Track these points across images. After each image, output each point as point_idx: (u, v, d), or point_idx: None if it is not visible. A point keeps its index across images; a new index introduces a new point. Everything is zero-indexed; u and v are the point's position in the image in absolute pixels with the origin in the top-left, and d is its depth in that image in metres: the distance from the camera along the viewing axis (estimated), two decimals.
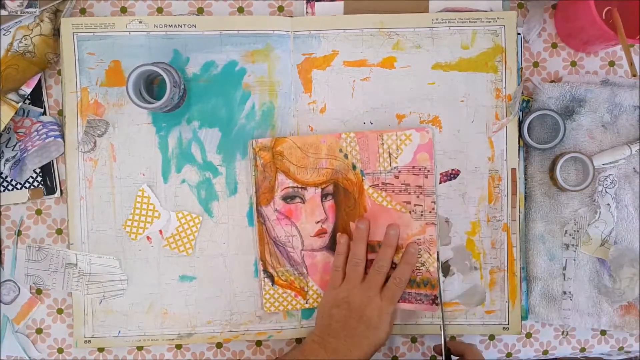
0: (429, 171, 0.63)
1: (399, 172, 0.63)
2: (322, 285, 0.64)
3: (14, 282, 0.65)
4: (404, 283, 0.61)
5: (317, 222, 0.64)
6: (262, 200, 0.64)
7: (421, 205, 0.63)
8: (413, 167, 0.63)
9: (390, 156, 0.63)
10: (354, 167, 0.63)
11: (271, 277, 0.64)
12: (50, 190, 0.66)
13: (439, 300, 0.64)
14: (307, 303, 0.64)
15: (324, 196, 0.64)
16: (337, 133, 0.64)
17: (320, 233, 0.64)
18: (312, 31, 0.65)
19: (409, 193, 0.63)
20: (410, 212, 0.64)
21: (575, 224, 0.66)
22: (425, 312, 0.65)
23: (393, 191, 0.63)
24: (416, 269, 0.64)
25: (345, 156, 0.63)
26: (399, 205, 0.64)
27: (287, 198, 0.64)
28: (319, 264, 0.64)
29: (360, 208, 0.64)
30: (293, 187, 0.63)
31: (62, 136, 0.64)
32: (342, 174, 0.63)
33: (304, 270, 0.64)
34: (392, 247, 0.62)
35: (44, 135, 0.64)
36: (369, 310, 0.59)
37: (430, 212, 0.64)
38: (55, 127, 0.65)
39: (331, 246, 0.64)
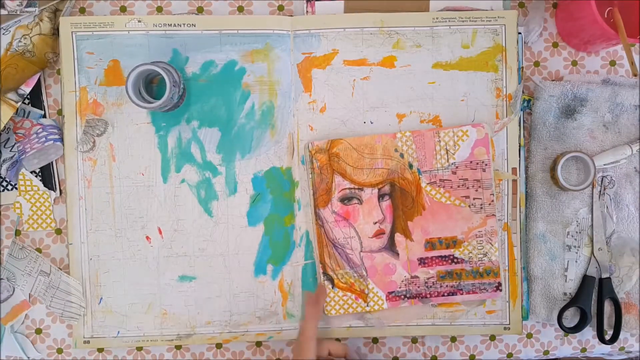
0: (486, 165, 0.64)
1: (457, 167, 0.64)
2: (382, 287, 0.64)
3: (10, 282, 0.65)
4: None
5: (375, 223, 0.64)
6: (320, 202, 0.64)
7: (480, 199, 0.64)
8: (471, 161, 0.63)
9: (447, 152, 0.63)
10: (411, 166, 0.63)
11: (331, 280, 0.64)
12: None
13: (502, 286, 0.64)
14: (367, 306, 0.64)
15: (380, 196, 0.64)
16: (391, 133, 0.64)
17: (378, 234, 0.64)
18: (312, 30, 0.65)
19: (467, 187, 0.64)
20: (469, 206, 0.64)
21: (577, 225, 0.66)
22: (489, 299, 0.65)
23: (451, 187, 0.64)
24: (479, 260, 0.64)
25: (401, 155, 0.63)
26: (457, 200, 0.64)
27: (345, 199, 0.64)
28: (379, 265, 0.64)
29: (418, 206, 0.64)
30: (350, 189, 0.63)
31: (62, 140, 0.64)
32: (398, 174, 0.63)
33: (364, 272, 0.64)
34: None
35: (44, 139, 0.63)
36: None
37: (489, 204, 0.64)
38: (56, 130, 0.64)
39: (390, 247, 0.64)
